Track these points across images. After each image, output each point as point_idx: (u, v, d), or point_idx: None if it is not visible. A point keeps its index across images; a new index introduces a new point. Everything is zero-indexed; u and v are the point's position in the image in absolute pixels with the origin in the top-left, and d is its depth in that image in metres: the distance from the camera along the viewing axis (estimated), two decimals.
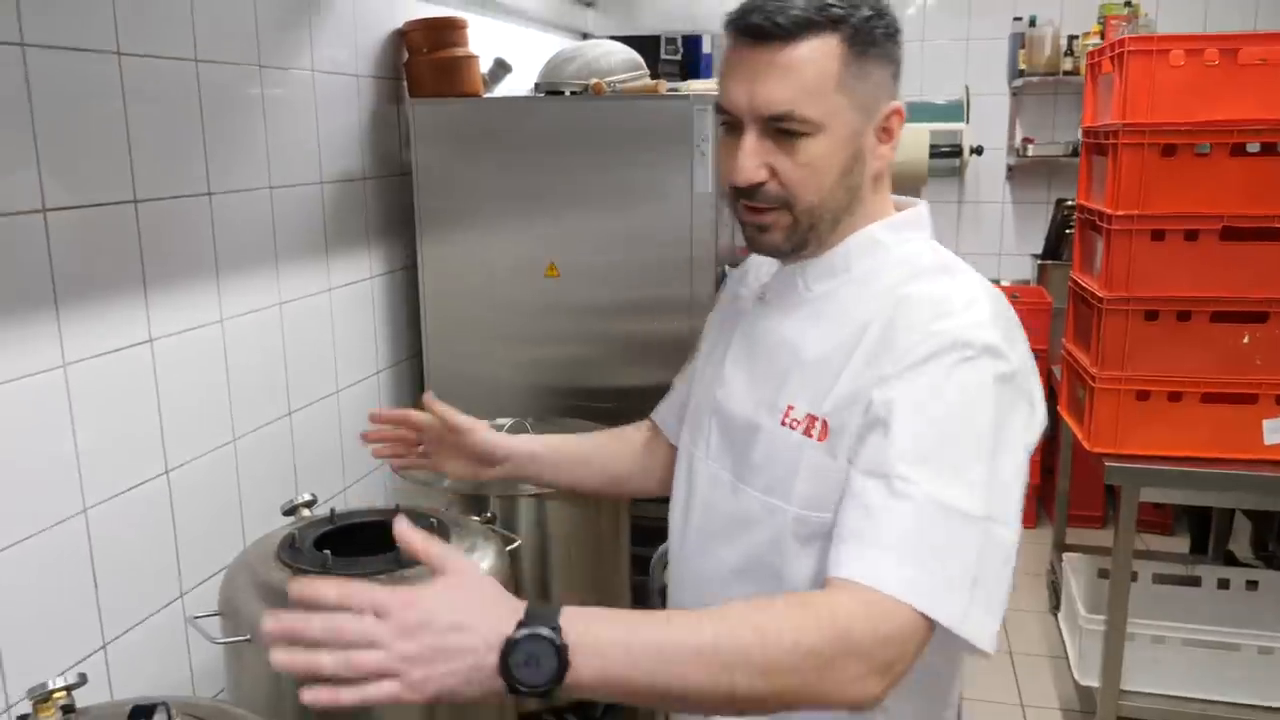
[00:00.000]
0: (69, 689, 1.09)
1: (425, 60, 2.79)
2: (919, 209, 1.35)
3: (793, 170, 1.21)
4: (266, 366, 2.30)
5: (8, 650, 1.58)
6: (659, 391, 1.69)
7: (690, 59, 4.82)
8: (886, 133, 1.27)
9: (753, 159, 1.21)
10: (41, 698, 1.06)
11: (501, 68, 3.02)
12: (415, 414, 1.63)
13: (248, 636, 1.46)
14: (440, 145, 2.74)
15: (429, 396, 1.62)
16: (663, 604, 2.16)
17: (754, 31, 1.19)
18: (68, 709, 1.09)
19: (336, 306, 2.59)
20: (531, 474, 1.66)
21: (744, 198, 1.25)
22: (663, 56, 4.53)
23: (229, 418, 2.16)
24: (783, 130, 1.20)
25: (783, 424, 1.24)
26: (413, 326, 2.90)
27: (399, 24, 2.83)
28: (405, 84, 2.85)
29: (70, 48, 1.72)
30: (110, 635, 1.80)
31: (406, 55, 2.83)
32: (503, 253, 2.73)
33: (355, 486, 2.64)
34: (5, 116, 1.60)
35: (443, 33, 2.80)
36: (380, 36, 2.78)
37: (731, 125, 1.24)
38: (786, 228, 1.25)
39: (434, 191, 2.76)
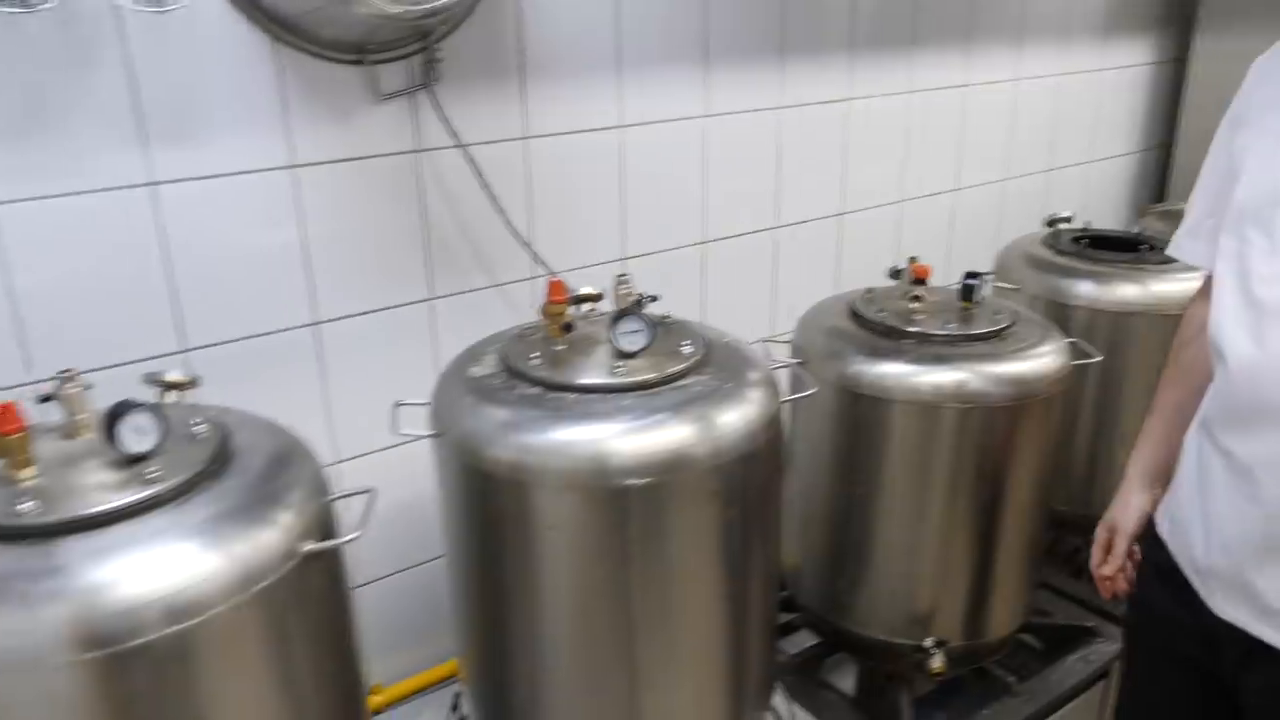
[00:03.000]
0: None
1: None
2: None
3: None
4: (1038, 127, 2.81)
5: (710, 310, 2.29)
6: None
7: None
8: None
9: None
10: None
11: None
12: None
13: (1017, 287, 2.05)
14: None
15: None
16: None
17: None
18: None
19: (1105, 87, 2.96)
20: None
21: None
22: None
23: (1007, 159, 2.74)
24: None
25: None
26: (1168, 117, 3.15)
27: None
28: None
29: None
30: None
31: None
32: None
33: None
34: None
35: None
36: None
37: None
38: None
39: None
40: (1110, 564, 1.56)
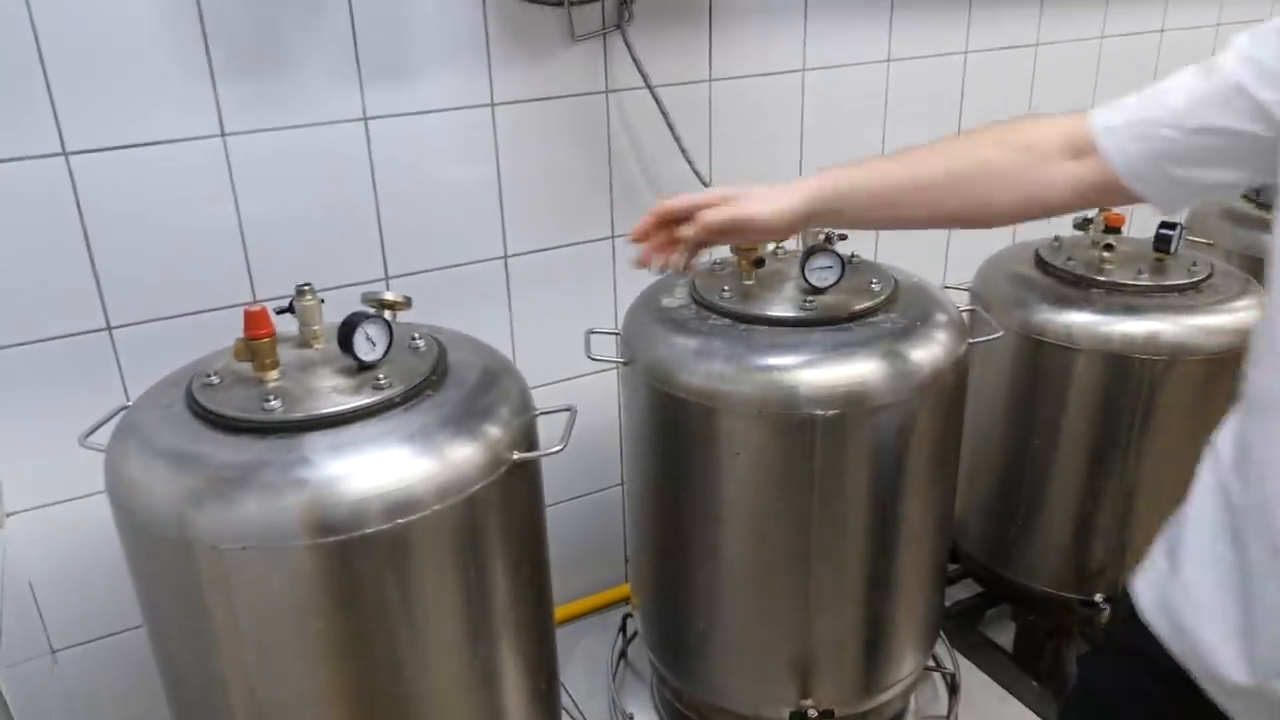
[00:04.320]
0: None
1: None
2: None
3: None
4: None
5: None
6: None
7: None
8: None
9: None
10: None
11: None
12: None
13: (1211, 242, 1.96)
14: None
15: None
16: None
17: None
18: None
19: None
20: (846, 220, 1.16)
21: None
22: None
23: None
24: None
25: None
26: None
27: None
28: None
29: None
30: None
31: None
32: None
33: None
34: None
35: None
36: None
37: None
38: None
39: None
40: (681, 203, 1.11)
